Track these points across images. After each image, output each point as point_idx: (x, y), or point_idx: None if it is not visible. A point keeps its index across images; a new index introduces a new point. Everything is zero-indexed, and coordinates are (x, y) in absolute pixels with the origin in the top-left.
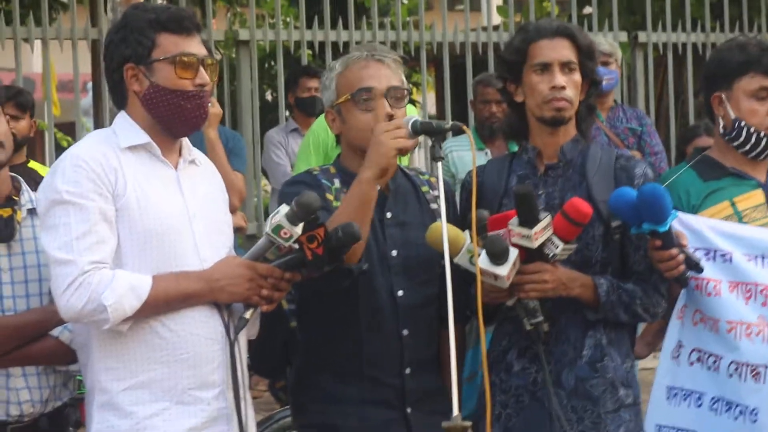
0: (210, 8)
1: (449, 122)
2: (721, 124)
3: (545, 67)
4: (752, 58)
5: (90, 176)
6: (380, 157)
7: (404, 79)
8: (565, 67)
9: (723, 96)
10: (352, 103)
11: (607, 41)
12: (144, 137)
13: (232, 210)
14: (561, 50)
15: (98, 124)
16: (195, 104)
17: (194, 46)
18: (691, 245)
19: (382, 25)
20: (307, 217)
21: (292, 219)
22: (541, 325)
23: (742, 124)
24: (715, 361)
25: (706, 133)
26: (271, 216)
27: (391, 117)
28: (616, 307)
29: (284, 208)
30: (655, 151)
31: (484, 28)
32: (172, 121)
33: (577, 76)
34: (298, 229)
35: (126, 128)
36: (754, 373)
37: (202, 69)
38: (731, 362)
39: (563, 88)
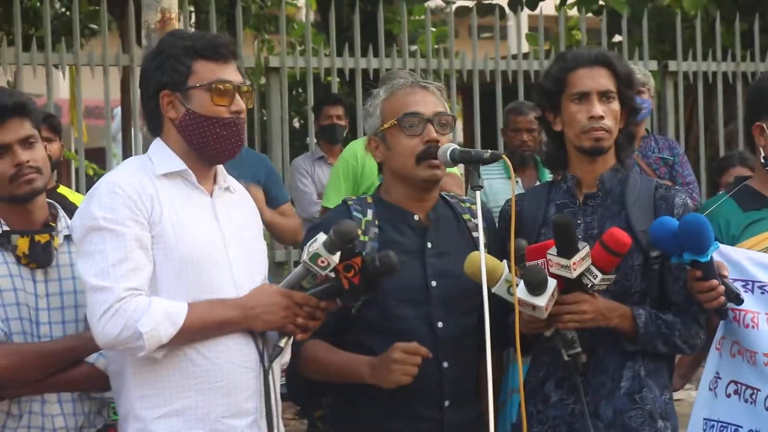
0: (240, 35)
1: (489, 151)
2: (762, 153)
3: (584, 97)
4: None
5: (126, 203)
6: (380, 380)
7: (447, 107)
8: (604, 96)
9: (764, 125)
10: (398, 129)
11: (641, 70)
12: (180, 164)
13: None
14: (599, 79)
15: (126, 149)
16: (231, 131)
17: (230, 73)
18: (729, 276)
19: (411, 53)
20: (345, 246)
21: (330, 247)
22: (579, 356)
23: None
24: (752, 394)
25: (740, 163)
26: (308, 244)
27: (436, 142)
28: (654, 338)
29: (322, 237)
30: (687, 181)
31: (514, 56)
32: (208, 149)
33: (615, 105)
34: (336, 258)
35: (162, 155)
36: None
37: (237, 96)
38: None
39: (602, 117)
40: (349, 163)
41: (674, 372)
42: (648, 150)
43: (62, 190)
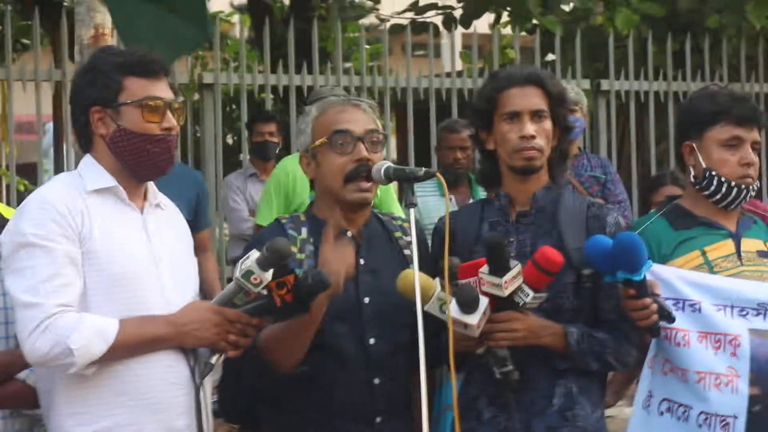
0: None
1: (423, 169)
2: (692, 173)
3: (515, 116)
4: (723, 108)
5: (56, 219)
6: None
7: (380, 125)
8: (536, 115)
9: (694, 145)
10: (328, 146)
11: (573, 89)
12: (110, 181)
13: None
14: (531, 98)
15: (58, 165)
16: (162, 148)
17: (161, 90)
18: (661, 295)
19: (345, 70)
20: (278, 263)
21: (263, 265)
22: (511, 374)
23: (713, 173)
24: (684, 411)
25: (671, 182)
26: (241, 261)
27: (367, 161)
28: (586, 355)
29: (255, 254)
30: (619, 199)
31: (448, 74)
32: (139, 165)
33: (547, 124)
34: (268, 275)
35: (92, 171)
36: (723, 423)
37: (169, 113)
38: (701, 412)
39: (533, 137)
40: (280, 180)
41: (608, 389)
42: (580, 168)
43: None
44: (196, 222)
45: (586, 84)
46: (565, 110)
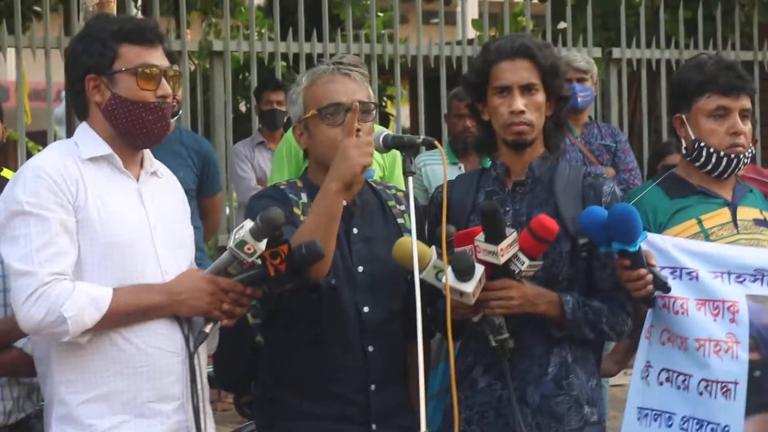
0: (184, 19)
1: (421, 137)
2: (684, 144)
3: (505, 90)
4: (709, 78)
5: (51, 187)
6: (346, 170)
7: (371, 92)
8: (525, 89)
9: (683, 117)
10: (319, 118)
11: (584, 58)
12: (105, 149)
13: (213, 231)
14: (521, 72)
15: (70, 132)
16: (157, 116)
17: (156, 58)
18: (657, 264)
19: (356, 38)
20: (272, 233)
21: (256, 234)
22: (506, 342)
23: (702, 145)
24: (684, 380)
25: (677, 150)
26: (234, 231)
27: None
28: (581, 324)
29: (248, 223)
30: (629, 167)
31: (459, 42)
32: (134, 133)
33: (539, 97)
34: (262, 245)
35: (87, 139)
36: (724, 390)
37: (164, 80)
38: (701, 380)
39: (522, 112)
40: (291, 145)
41: (609, 358)
42: (591, 137)
43: (6, 173)
44: (204, 188)
45: (598, 52)
46: (560, 80)
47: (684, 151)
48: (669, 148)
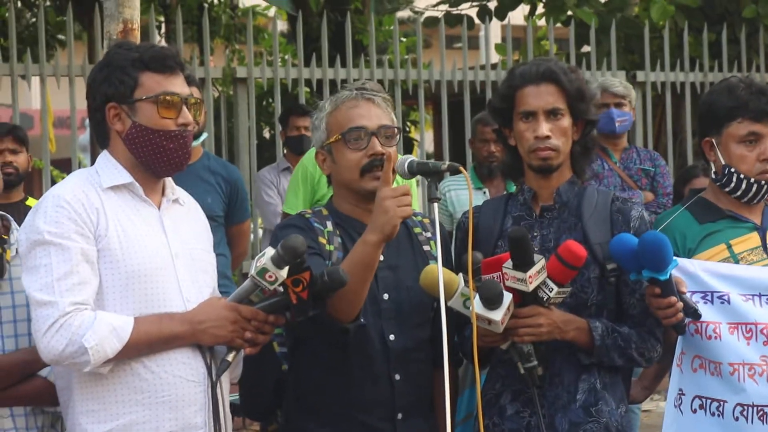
0: (208, 45)
1: (446, 162)
2: (713, 169)
3: (530, 115)
4: (741, 103)
5: (72, 216)
6: (385, 224)
7: (394, 117)
8: (551, 114)
9: (713, 141)
10: (343, 143)
11: (621, 83)
12: (126, 177)
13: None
14: (546, 97)
15: (95, 160)
16: (178, 144)
17: (177, 85)
18: (688, 289)
19: (380, 63)
20: (293, 261)
21: (278, 262)
22: (535, 369)
23: (732, 170)
24: (719, 407)
25: (703, 173)
26: (256, 258)
27: (381, 155)
28: (611, 350)
29: (270, 251)
30: (668, 192)
31: (482, 67)
32: (155, 161)
33: (564, 122)
34: (284, 273)
35: (108, 168)
36: (760, 414)
37: (185, 108)
38: (736, 405)
39: (548, 137)
40: (307, 170)
41: (638, 384)
42: (630, 162)
43: (30, 201)
44: (231, 215)
45: (622, 75)
46: (586, 104)
47: (713, 176)
48: (695, 172)
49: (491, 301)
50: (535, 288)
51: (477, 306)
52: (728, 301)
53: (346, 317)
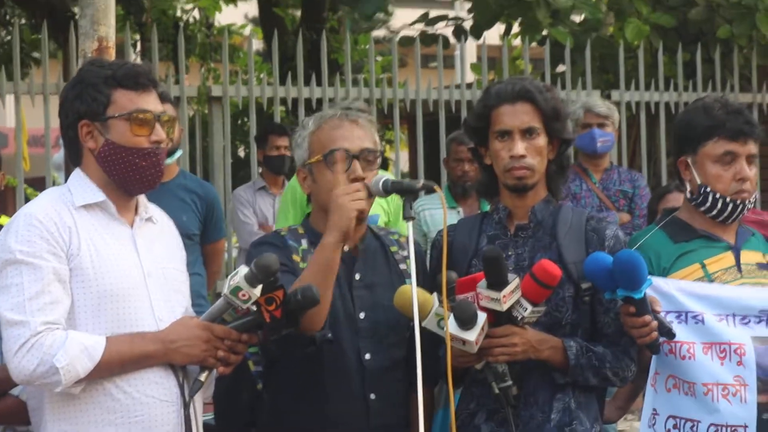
0: (183, 64)
1: (421, 181)
2: (688, 188)
3: (506, 134)
4: (717, 122)
5: (43, 235)
6: (341, 220)
7: (377, 138)
8: (526, 133)
9: (689, 160)
10: (324, 164)
11: (604, 103)
12: (99, 195)
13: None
14: (521, 116)
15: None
16: (151, 162)
17: (150, 103)
18: (662, 308)
19: (355, 82)
20: (266, 279)
21: (251, 281)
22: (510, 389)
23: (708, 189)
24: (693, 426)
25: (676, 189)
26: (229, 277)
27: (362, 179)
28: (585, 370)
29: (243, 270)
30: (644, 213)
31: (458, 86)
32: (128, 179)
33: (540, 141)
34: (257, 291)
35: (81, 186)
36: None
37: (158, 125)
38: (710, 425)
39: (523, 156)
40: (296, 191)
41: (611, 404)
42: (609, 182)
43: (3, 220)
44: (207, 233)
45: (597, 95)
46: (561, 123)
47: (689, 195)
48: (668, 188)
49: (465, 321)
50: (510, 307)
51: (451, 326)
52: (702, 321)
53: (312, 326)
